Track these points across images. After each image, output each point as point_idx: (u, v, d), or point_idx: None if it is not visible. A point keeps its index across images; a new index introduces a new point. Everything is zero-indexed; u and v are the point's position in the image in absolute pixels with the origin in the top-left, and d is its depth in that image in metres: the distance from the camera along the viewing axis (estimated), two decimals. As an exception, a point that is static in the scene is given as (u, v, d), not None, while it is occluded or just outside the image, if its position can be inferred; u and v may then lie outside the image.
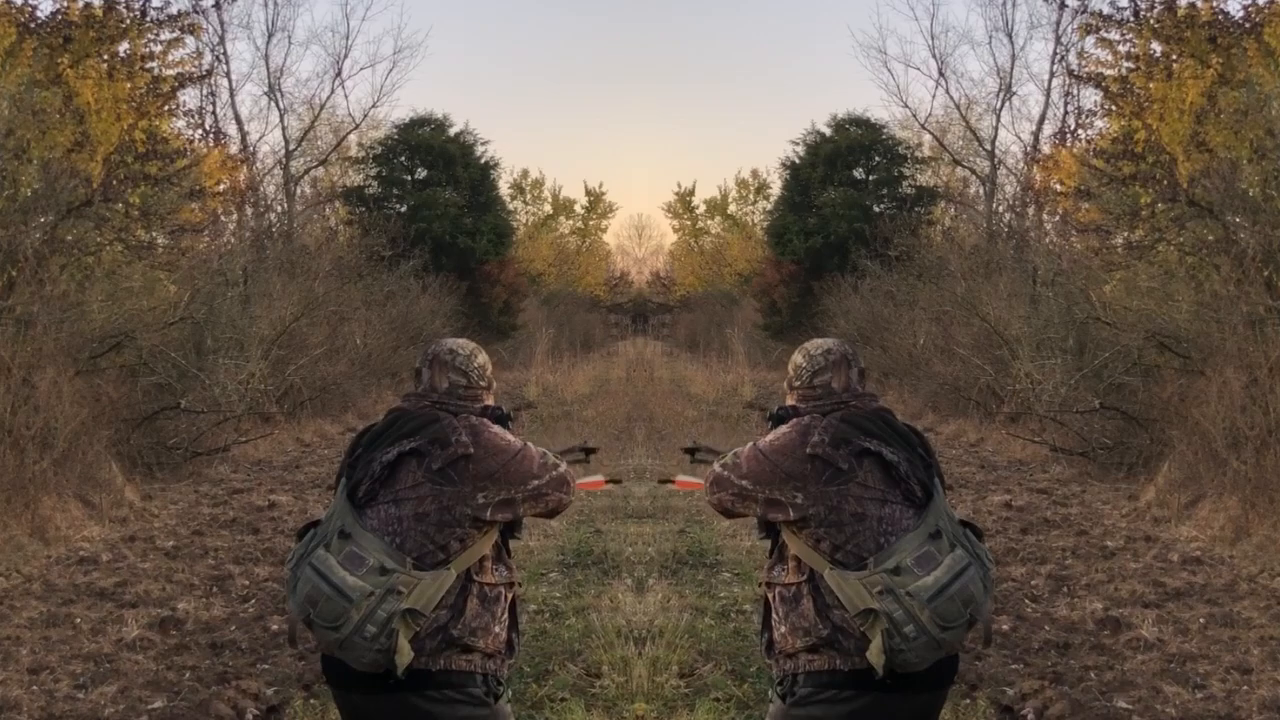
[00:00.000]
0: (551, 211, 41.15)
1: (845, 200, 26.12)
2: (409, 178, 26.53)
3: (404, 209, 25.50)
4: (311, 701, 4.77)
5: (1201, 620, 6.03)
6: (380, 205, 25.40)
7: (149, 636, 5.86)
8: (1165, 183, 10.49)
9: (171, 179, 11.87)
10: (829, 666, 2.57)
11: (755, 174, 41.13)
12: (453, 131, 27.11)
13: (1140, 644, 5.63)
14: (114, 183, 10.95)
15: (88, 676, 5.22)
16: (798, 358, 2.86)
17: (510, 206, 32.47)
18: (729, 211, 42.10)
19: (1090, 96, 17.61)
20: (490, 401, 2.86)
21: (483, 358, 2.87)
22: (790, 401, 2.84)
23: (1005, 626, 6.01)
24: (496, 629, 2.65)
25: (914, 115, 26.37)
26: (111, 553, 8.20)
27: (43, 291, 10.06)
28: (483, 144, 27.52)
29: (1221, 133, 9.42)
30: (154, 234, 12.65)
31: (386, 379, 20.53)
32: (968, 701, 4.84)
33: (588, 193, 43.22)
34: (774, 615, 2.68)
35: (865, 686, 2.53)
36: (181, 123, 13.98)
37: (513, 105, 66.40)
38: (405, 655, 2.49)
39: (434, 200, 25.74)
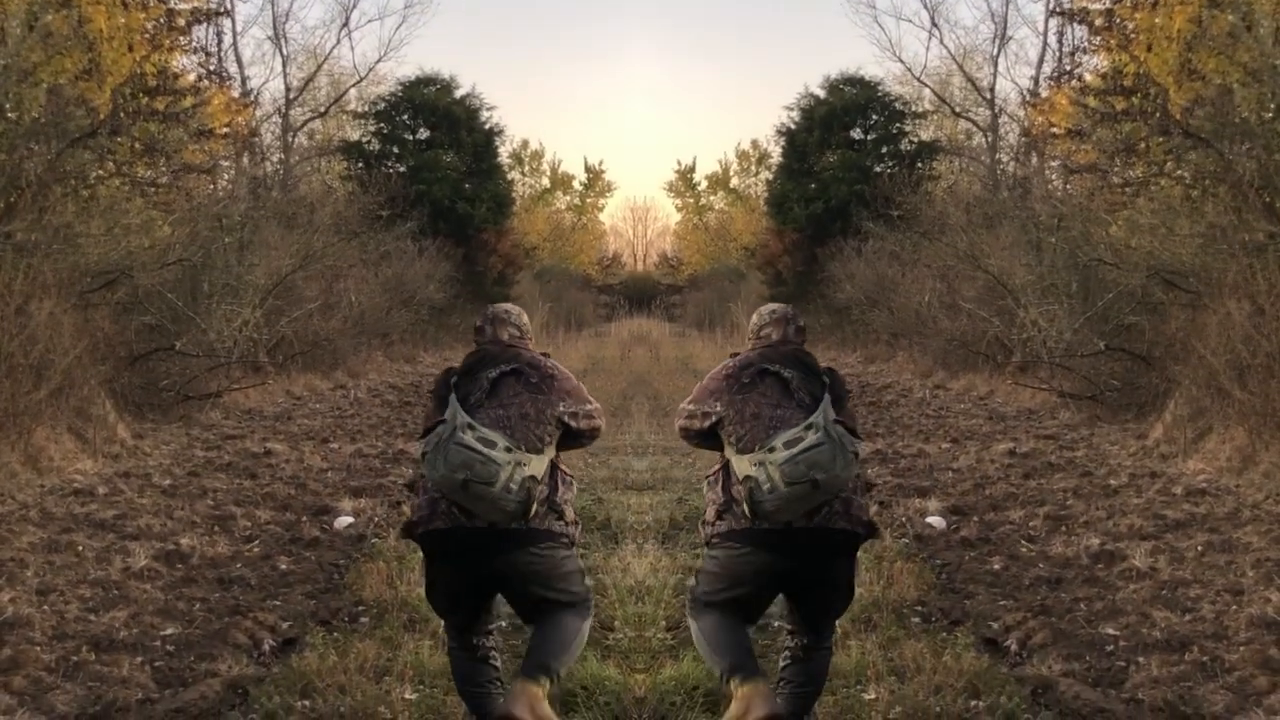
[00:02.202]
0: (549, 185, 40.87)
1: (844, 162, 25.76)
2: (410, 137, 26.08)
3: (403, 169, 25.11)
4: (335, 635, 4.66)
5: (1199, 548, 5.96)
6: (379, 162, 25.03)
7: (155, 567, 5.73)
8: (1158, 115, 10.35)
9: (179, 116, 11.63)
10: (728, 528, 3.44)
11: (755, 144, 40.88)
12: (459, 94, 26.70)
13: (1133, 574, 5.55)
14: (121, 115, 10.72)
15: (96, 601, 5.09)
16: (754, 317, 3.90)
17: (508, 176, 32.13)
18: (731, 185, 41.86)
19: (1080, 34, 17.50)
20: (533, 347, 3.81)
21: (525, 317, 3.88)
22: (747, 349, 3.81)
23: (997, 566, 5.93)
24: (572, 502, 3.56)
25: (909, 69, 26.14)
26: (107, 486, 8.05)
27: (43, 220, 9.85)
28: (488, 109, 27.15)
29: (1213, 58, 9.27)
30: (155, 172, 12.41)
31: (377, 340, 20.32)
32: (945, 635, 4.77)
33: (587, 169, 42.96)
34: (706, 498, 3.59)
35: (755, 543, 3.38)
36: (192, 60, 13.69)
37: (519, 72, 65.86)
38: (533, 507, 3.35)
39: (435, 162, 25.34)
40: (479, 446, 3.29)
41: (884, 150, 26.31)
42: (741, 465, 3.36)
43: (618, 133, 72.08)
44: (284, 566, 5.91)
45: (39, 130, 9.42)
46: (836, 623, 3.77)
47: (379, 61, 25.96)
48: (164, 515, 7.05)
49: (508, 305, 3.86)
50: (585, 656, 4.20)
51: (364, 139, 25.72)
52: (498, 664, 3.55)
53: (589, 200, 42.88)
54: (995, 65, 23.71)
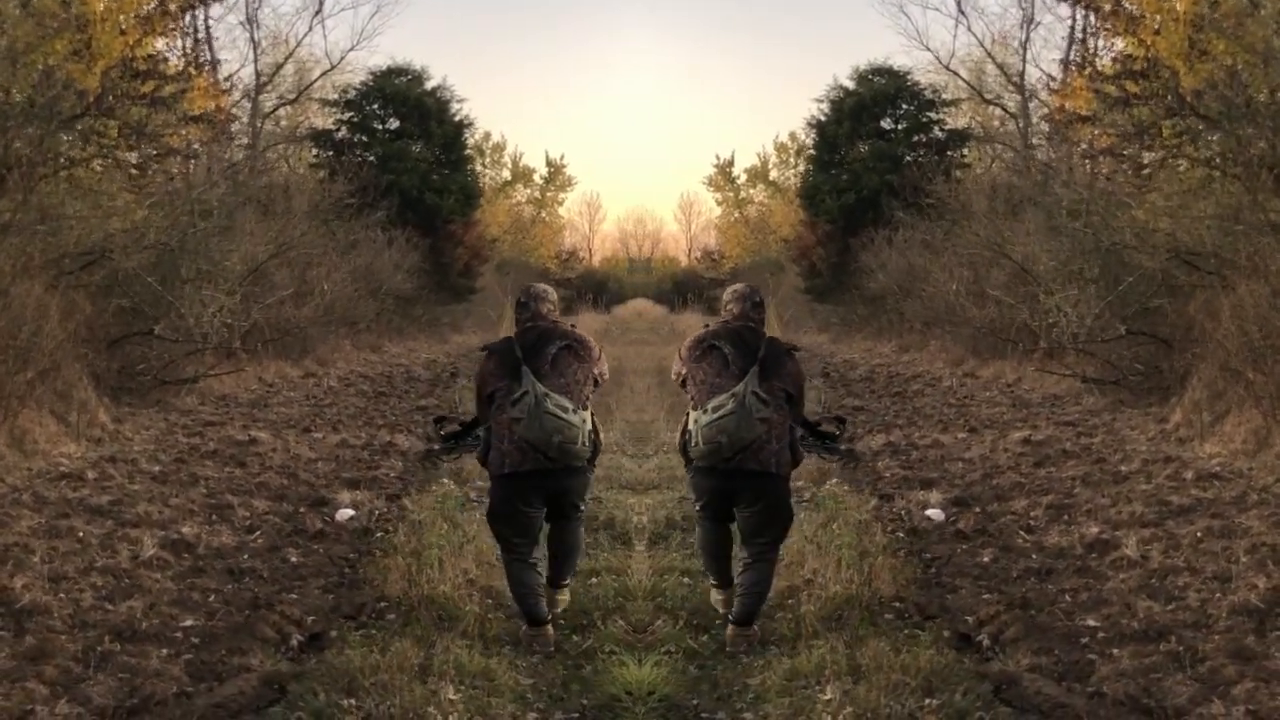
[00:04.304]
0: (510, 178, 40.80)
1: (874, 153, 25.76)
2: (380, 127, 25.94)
3: (372, 158, 24.94)
4: (371, 631, 4.73)
5: (1198, 534, 5.87)
6: (349, 151, 24.83)
7: (163, 556, 5.74)
8: (1169, 99, 10.34)
9: (166, 101, 11.53)
10: (686, 461, 4.83)
11: (793, 137, 40.95)
12: (429, 85, 26.60)
13: (1124, 563, 5.50)
14: (110, 99, 10.61)
15: (110, 589, 5.11)
16: (724, 294, 5.04)
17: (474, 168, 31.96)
18: (770, 178, 41.91)
19: (1090, 19, 17.70)
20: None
21: (555, 294, 5.06)
22: (718, 320, 4.98)
23: (987, 558, 5.86)
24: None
25: (936, 57, 25.87)
26: (95, 471, 8.00)
27: (29, 201, 9.74)
28: (459, 101, 27.08)
29: (1222, 39, 9.32)
30: (138, 155, 12.29)
31: (345, 328, 20.20)
32: (907, 632, 4.71)
33: (548, 163, 42.95)
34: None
35: (702, 473, 4.72)
36: (182, 43, 13.53)
37: (488, 66, 65.26)
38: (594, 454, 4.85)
39: (404, 153, 25.22)
40: (560, 413, 4.54)
41: (914, 139, 26.22)
42: (690, 422, 4.68)
43: (618, 130, 71.90)
44: (294, 559, 5.96)
45: (30, 112, 9.31)
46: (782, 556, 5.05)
47: (351, 50, 25.81)
48: (159, 502, 7.04)
49: (543, 285, 5.02)
50: (623, 662, 4.37)
51: (334, 127, 25.50)
52: (542, 572, 4.79)
53: (548, 195, 42.88)
54: (1024, 51, 23.50)
